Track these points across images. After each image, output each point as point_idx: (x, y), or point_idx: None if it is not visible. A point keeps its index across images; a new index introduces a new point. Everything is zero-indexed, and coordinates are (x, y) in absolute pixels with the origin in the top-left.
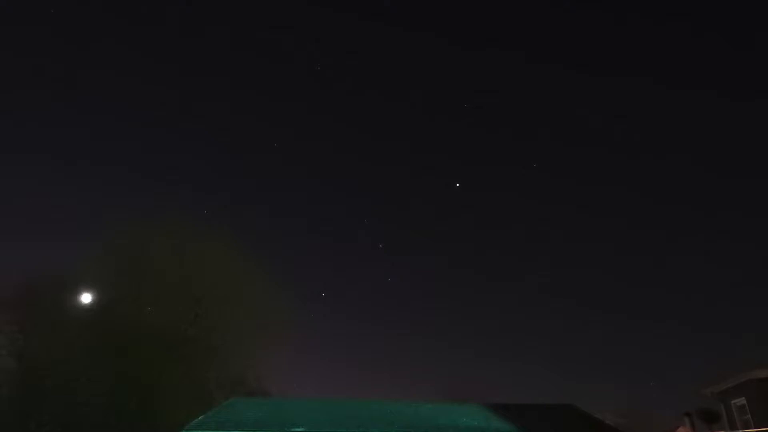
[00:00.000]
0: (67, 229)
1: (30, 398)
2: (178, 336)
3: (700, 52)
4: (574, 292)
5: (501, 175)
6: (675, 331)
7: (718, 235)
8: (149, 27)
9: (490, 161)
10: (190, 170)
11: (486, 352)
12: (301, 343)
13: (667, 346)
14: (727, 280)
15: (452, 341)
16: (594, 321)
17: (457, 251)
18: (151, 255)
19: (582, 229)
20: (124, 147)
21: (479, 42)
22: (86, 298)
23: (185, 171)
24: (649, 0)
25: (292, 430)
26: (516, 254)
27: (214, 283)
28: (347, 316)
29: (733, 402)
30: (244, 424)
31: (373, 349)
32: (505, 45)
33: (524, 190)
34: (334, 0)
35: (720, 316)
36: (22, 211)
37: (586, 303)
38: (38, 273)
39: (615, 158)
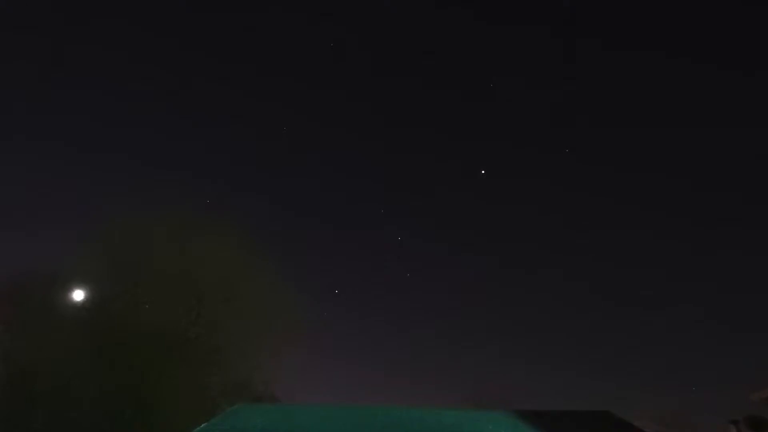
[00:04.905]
0: (59, 220)
1: (18, 403)
2: (178, 336)
3: (753, 28)
4: (611, 290)
5: (530, 161)
6: (720, 331)
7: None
8: (148, 5)
9: (518, 147)
10: (192, 157)
11: (515, 355)
12: (313, 343)
13: (710, 348)
14: None
15: (478, 342)
16: (632, 321)
17: (482, 244)
18: (150, 249)
19: (620, 221)
20: (121, 133)
21: (506, 17)
22: (79, 295)
23: (186, 158)
24: None
25: None
26: (548, 247)
27: (218, 279)
28: (363, 314)
29: None
30: None
31: (390, 351)
32: (534, 21)
33: (556, 178)
34: None
35: None
36: (10, 202)
37: (624, 302)
38: (27, 269)
39: (656, 143)
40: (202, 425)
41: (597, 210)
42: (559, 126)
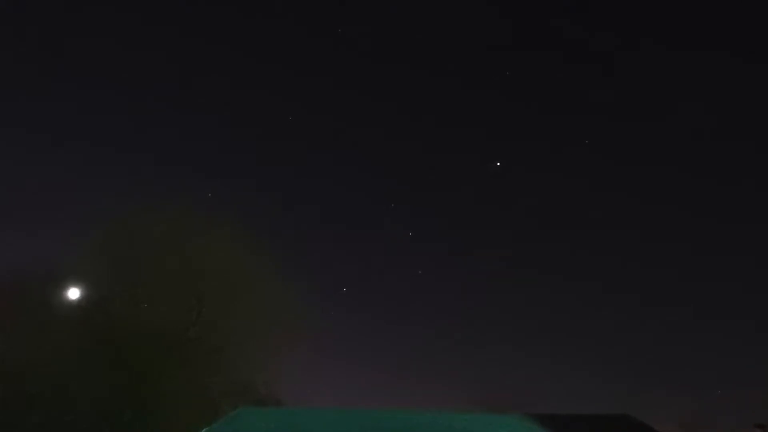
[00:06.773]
0: (56, 217)
1: (12, 405)
2: (178, 336)
3: None
4: (629, 289)
5: (547, 153)
6: (744, 331)
7: None
8: None
9: (534, 138)
10: (192, 150)
11: (529, 355)
12: (318, 344)
13: (734, 348)
14: None
15: (491, 342)
16: (652, 320)
17: (496, 240)
18: (150, 248)
19: (634, 218)
20: (120, 125)
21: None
22: (76, 294)
23: (186, 151)
24: None
25: None
26: (564, 243)
27: (220, 278)
28: (371, 314)
29: None
30: None
31: (400, 352)
32: (550, 8)
33: (574, 171)
34: None
35: None
36: (4, 197)
37: (641, 301)
38: (26, 268)
39: (679, 139)
40: (203, 429)
41: (616, 205)
42: (578, 116)
